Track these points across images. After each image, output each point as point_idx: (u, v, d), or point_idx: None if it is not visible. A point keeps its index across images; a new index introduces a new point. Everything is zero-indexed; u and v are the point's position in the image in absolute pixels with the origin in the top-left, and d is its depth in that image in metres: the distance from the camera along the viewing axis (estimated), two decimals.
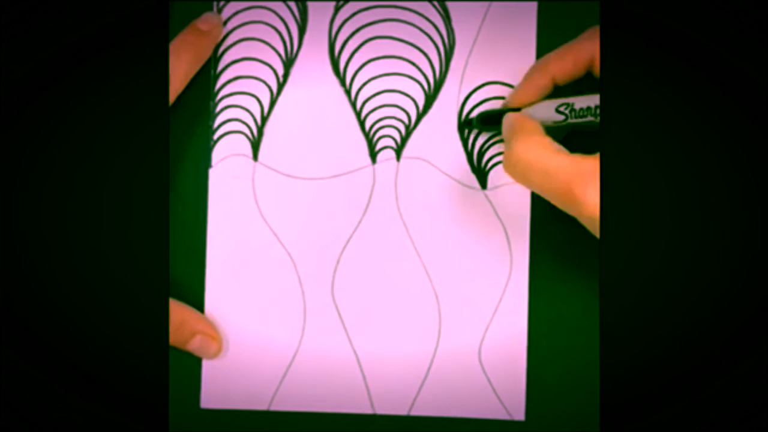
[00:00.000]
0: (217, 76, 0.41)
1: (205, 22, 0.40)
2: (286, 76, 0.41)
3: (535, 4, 0.41)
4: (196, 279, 0.41)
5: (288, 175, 0.41)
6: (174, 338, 0.40)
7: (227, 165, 0.41)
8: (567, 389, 0.41)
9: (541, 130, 0.35)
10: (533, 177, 0.34)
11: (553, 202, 0.34)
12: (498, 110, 0.39)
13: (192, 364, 0.41)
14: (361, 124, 0.41)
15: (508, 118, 0.37)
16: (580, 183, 0.32)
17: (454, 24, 0.41)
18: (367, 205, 0.41)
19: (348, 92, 0.41)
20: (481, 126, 0.40)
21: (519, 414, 0.41)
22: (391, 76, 0.41)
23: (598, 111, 0.36)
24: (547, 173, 0.33)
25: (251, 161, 0.41)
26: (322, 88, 0.41)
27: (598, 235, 0.33)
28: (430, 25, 0.41)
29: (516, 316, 0.41)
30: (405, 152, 0.41)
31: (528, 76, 0.38)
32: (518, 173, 0.35)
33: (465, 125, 0.40)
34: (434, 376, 0.41)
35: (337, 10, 0.41)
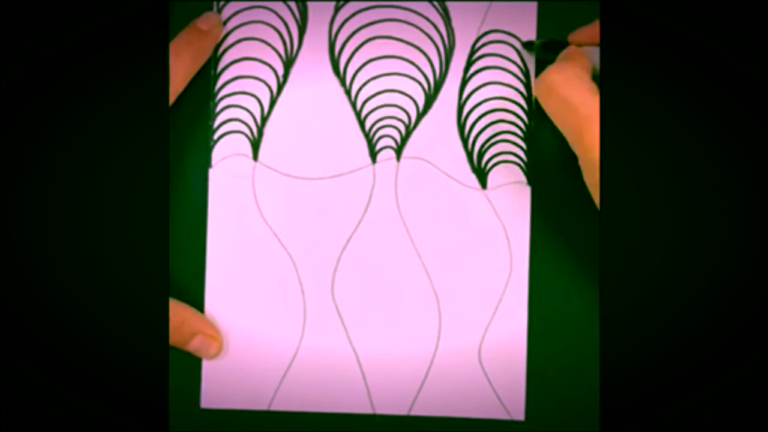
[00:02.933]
0: (217, 76, 0.41)
1: (205, 21, 0.40)
2: (286, 76, 0.41)
3: (535, 4, 0.41)
4: (196, 279, 0.41)
5: (288, 175, 0.41)
6: (174, 338, 0.40)
7: (227, 165, 0.41)
8: (567, 389, 0.41)
9: (587, 65, 0.36)
10: (553, 101, 0.35)
11: (563, 132, 0.35)
12: (560, 41, 0.39)
13: (192, 364, 0.41)
14: (361, 124, 0.41)
15: (567, 49, 0.38)
16: (592, 124, 0.33)
17: (454, 24, 0.41)
18: (367, 205, 0.41)
19: (348, 92, 0.41)
20: (541, 51, 0.40)
21: (519, 414, 0.41)
22: (391, 76, 0.41)
23: None
24: (567, 102, 0.34)
25: (251, 161, 0.41)
26: (322, 88, 0.41)
27: (589, 180, 0.34)
28: (430, 25, 0.41)
29: (516, 316, 0.41)
30: (405, 152, 0.41)
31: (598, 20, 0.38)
32: (543, 92, 0.36)
33: (525, 46, 0.40)
34: (434, 376, 0.41)
35: (337, 10, 0.41)
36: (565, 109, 0.35)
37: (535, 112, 0.41)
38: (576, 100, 0.34)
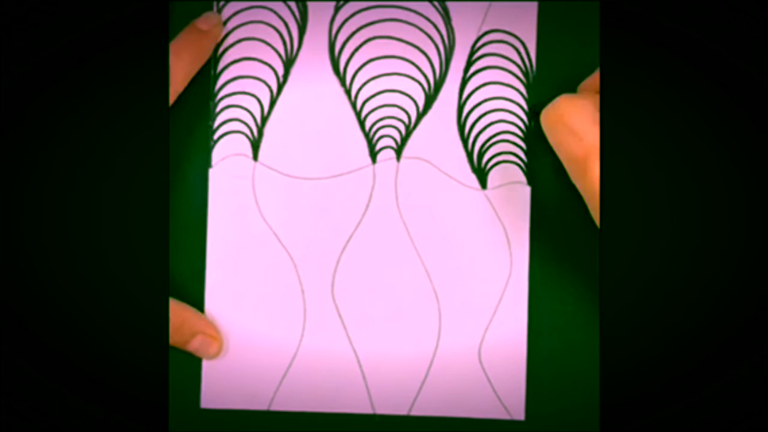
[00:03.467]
0: (217, 76, 0.41)
1: (205, 21, 0.40)
2: (286, 76, 0.41)
3: (535, 4, 0.41)
4: (196, 279, 0.41)
5: (288, 175, 0.41)
6: (174, 338, 0.40)
7: (227, 165, 0.41)
8: (567, 389, 0.41)
9: (595, 100, 0.36)
10: (560, 132, 0.35)
11: (566, 164, 0.35)
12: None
13: (192, 364, 0.41)
14: (361, 124, 0.41)
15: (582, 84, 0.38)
16: (598, 157, 0.33)
17: (454, 24, 0.41)
18: (367, 205, 0.41)
19: (348, 92, 0.41)
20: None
21: (519, 414, 0.41)
22: (391, 76, 0.41)
23: None
24: (573, 133, 0.35)
25: (251, 161, 0.41)
26: (322, 88, 0.41)
27: (594, 213, 0.34)
28: (430, 25, 0.41)
29: (516, 316, 0.41)
30: (405, 152, 0.41)
31: None
32: (549, 122, 0.36)
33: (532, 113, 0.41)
34: (434, 376, 0.41)
35: (337, 10, 0.41)
36: (568, 141, 0.35)
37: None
38: (580, 132, 0.34)
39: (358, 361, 0.41)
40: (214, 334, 0.40)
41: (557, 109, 0.36)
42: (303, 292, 0.41)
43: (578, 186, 0.35)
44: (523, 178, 0.41)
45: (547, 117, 0.36)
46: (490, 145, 0.41)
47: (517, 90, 0.41)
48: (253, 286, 0.41)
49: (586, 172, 0.34)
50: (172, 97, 0.39)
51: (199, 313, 0.41)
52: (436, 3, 0.41)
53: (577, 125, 0.35)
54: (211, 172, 0.41)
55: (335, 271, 0.41)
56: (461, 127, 0.41)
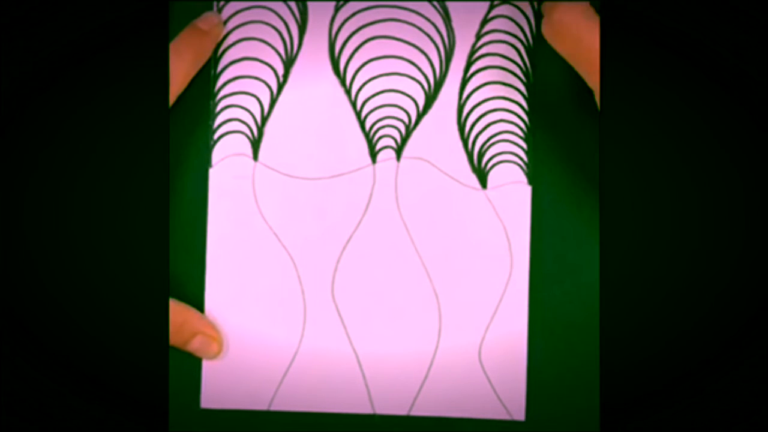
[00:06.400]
0: (217, 76, 0.41)
1: (206, 21, 0.40)
2: (286, 76, 0.41)
3: (535, 4, 0.41)
4: (196, 279, 0.41)
5: (288, 175, 0.41)
6: (175, 338, 0.40)
7: (227, 165, 0.41)
8: (567, 389, 0.41)
9: None
10: (567, 42, 0.35)
11: (578, 70, 0.35)
12: None
13: (192, 364, 0.41)
14: (361, 124, 0.41)
15: None
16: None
17: (454, 24, 0.41)
18: (367, 205, 0.41)
19: (348, 92, 0.41)
20: None
21: (519, 414, 0.41)
22: (391, 76, 0.41)
23: None
24: (580, 41, 0.35)
25: (251, 161, 0.41)
26: (322, 88, 0.41)
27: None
28: (430, 25, 0.41)
29: (516, 316, 0.41)
30: (405, 152, 0.41)
31: None
32: (554, 36, 0.36)
33: None
34: (434, 376, 0.41)
35: (337, 10, 0.41)
36: (580, 48, 0.35)
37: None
38: (591, 38, 0.34)
39: (358, 361, 0.41)
40: (214, 334, 0.40)
41: (558, 21, 0.35)
42: (303, 292, 0.41)
43: (594, 85, 0.35)
44: (523, 178, 0.41)
45: (549, 30, 0.36)
46: (490, 145, 0.41)
47: (518, 90, 0.41)
48: (253, 286, 0.41)
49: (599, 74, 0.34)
50: (173, 97, 0.39)
51: (199, 313, 0.41)
52: (436, 3, 0.41)
53: (583, 34, 0.34)
54: (211, 172, 0.41)
55: (335, 271, 0.41)
56: (461, 127, 0.41)
